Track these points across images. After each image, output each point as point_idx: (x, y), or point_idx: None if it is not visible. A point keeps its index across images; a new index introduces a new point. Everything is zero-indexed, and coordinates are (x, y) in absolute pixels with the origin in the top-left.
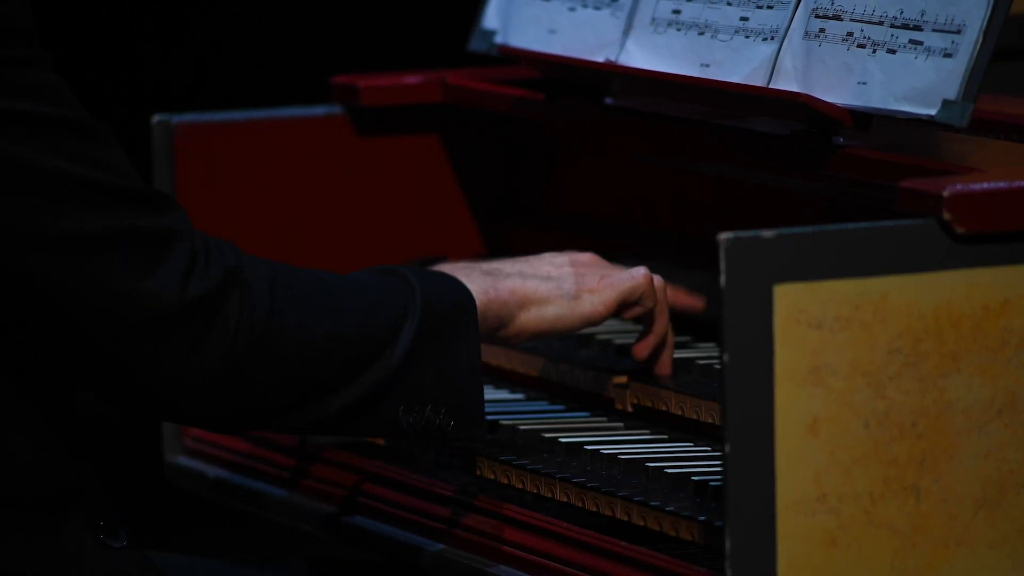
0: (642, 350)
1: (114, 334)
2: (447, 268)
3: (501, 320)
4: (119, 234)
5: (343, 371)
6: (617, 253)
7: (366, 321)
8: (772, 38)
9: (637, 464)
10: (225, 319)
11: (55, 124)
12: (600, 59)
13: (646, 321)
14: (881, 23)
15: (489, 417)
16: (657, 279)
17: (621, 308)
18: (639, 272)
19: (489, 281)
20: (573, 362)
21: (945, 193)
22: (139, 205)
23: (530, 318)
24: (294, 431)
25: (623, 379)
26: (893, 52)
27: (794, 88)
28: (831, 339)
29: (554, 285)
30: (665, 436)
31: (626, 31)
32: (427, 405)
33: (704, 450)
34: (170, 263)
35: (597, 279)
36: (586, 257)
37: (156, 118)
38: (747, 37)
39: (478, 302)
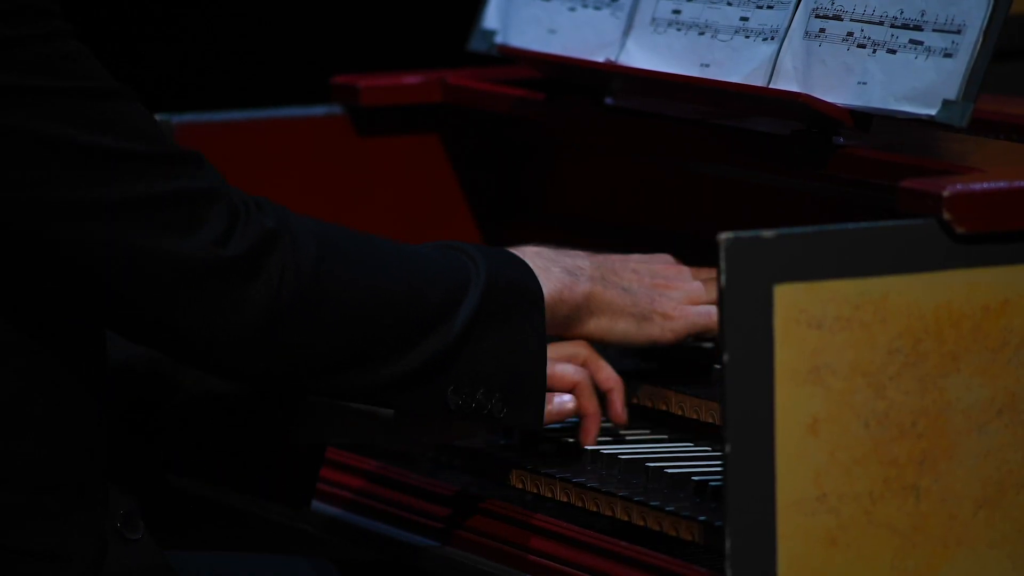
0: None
1: (159, 298)
2: (531, 253)
3: (569, 321)
4: (156, 198)
5: (394, 339)
6: (617, 253)
7: (422, 290)
8: (772, 38)
9: (637, 464)
10: (268, 275)
11: (83, 94)
12: (600, 59)
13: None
14: (881, 23)
15: None
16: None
17: (688, 338)
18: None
19: (568, 280)
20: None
21: (945, 193)
22: (174, 167)
23: (599, 326)
24: (340, 396)
25: (623, 379)
26: (893, 52)
27: (794, 88)
28: (831, 339)
29: (631, 300)
30: (665, 436)
31: (626, 31)
32: (479, 388)
33: (704, 450)
34: (209, 222)
35: (674, 304)
36: (671, 270)
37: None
38: (747, 37)
39: (550, 298)
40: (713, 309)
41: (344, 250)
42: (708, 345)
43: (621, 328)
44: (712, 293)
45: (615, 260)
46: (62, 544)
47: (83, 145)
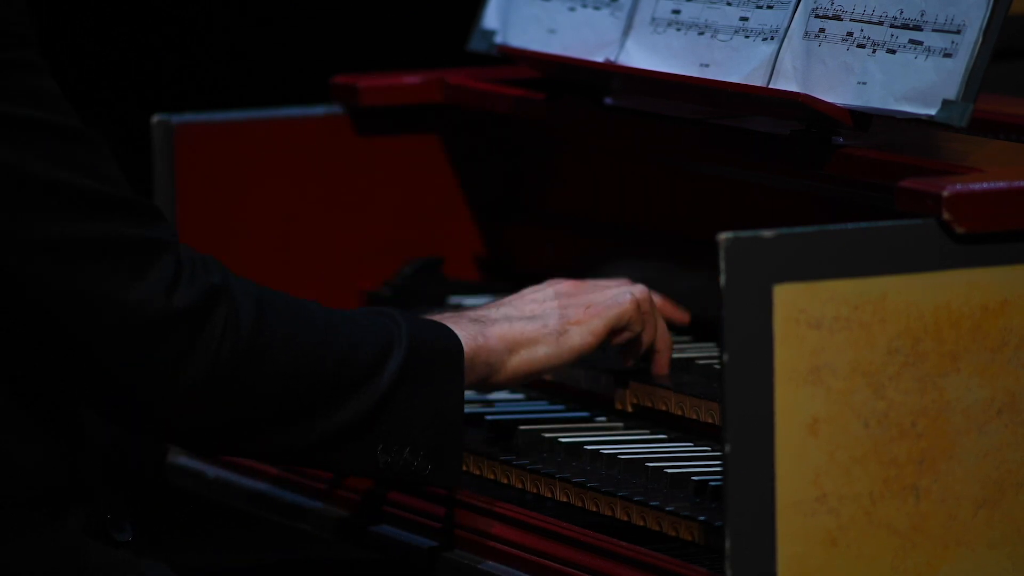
0: (660, 367)
1: (99, 341)
2: (435, 317)
3: (491, 367)
4: (107, 242)
5: (326, 396)
6: (617, 253)
7: (351, 349)
8: (772, 38)
9: (637, 464)
10: (210, 332)
11: (49, 130)
12: (600, 59)
13: (634, 343)
14: (881, 23)
15: (489, 417)
16: (642, 293)
17: (611, 335)
18: (624, 298)
19: (477, 328)
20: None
21: (945, 193)
22: (128, 215)
23: (521, 361)
24: (271, 458)
25: (623, 379)
26: (893, 52)
27: (794, 88)
28: (831, 339)
29: (540, 324)
30: (665, 436)
31: (626, 31)
32: (406, 446)
33: (704, 450)
34: (155, 274)
35: (582, 309)
36: (567, 286)
37: (156, 118)
38: (747, 37)
39: (467, 349)
40: (623, 299)
41: (280, 312)
42: (708, 345)
43: (543, 353)
44: (615, 298)
45: (511, 299)
46: (39, 558)
47: (39, 178)
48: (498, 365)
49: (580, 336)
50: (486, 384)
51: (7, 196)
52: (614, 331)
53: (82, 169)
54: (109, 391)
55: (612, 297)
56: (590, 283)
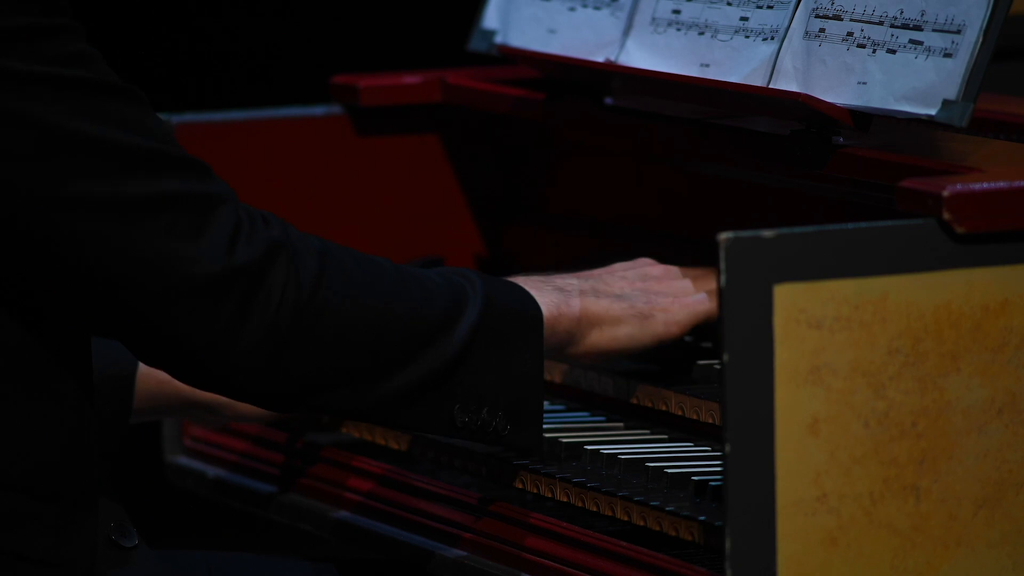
0: None
1: (158, 301)
2: (520, 280)
3: (571, 337)
4: (164, 198)
5: (392, 354)
6: (617, 253)
7: (420, 306)
8: (772, 38)
9: (637, 464)
10: (269, 289)
11: (97, 89)
12: (600, 59)
13: None
14: (881, 23)
15: None
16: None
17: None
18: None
19: (561, 297)
20: (573, 362)
21: (945, 193)
22: (183, 170)
23: (603, 337)
24: (343, 414)
25: (623, 379)
26: (893, 52)
27: (794, 88)
28: (831, 339)
29: (627, 304)
30: (665, 436)
31: (626, 31)
32: (484, 406)
33: (704, 450)
34: (214, 229)
35: (671, 299)
36: (658, 271)
37: None
38: (747, 37)
39: (547, 315)
40: (708, 297)
41: (344, 267)
42: (707, 345)
43: (625, 333)
44: (701, 288)
45: (600, 272)
46: (57, 551)
47: (93, 138)
48: (578, 337)
49: (664, 325)
50: (563, 354)
51: (56, 157)
52: (695, 326)
53: (132, 127)
54: (168, 352)
55: (703, 295)
56: (675, 270)
